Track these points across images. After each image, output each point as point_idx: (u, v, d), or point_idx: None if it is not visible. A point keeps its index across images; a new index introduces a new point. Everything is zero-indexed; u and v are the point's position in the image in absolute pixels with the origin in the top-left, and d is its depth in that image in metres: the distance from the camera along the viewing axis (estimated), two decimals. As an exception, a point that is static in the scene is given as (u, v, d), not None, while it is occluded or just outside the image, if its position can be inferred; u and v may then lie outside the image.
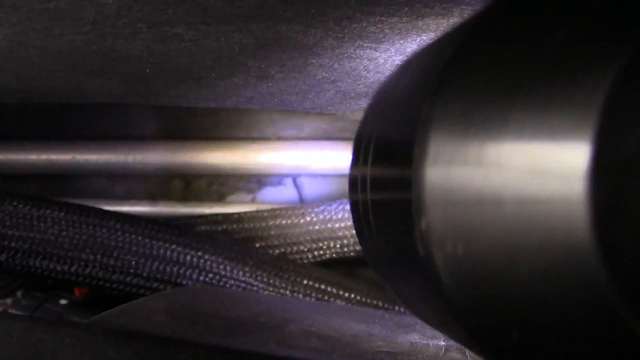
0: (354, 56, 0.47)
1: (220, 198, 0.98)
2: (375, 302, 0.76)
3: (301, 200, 0.97)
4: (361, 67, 0.48)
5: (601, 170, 0.18)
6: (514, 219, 0.20)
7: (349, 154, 1.05)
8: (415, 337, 0.49)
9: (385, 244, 0.31)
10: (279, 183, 0.98)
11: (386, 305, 0.76)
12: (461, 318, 0.24)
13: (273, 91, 0.52)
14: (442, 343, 0.49)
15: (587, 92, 0.19)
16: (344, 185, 0.95)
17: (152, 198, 0.96)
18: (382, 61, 0.47)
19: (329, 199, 0.93)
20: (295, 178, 0.97)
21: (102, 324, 0.45)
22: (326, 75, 0.49)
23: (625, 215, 0.18)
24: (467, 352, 0.47)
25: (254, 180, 0.98)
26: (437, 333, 0.51)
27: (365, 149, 0.35)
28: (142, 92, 0.55)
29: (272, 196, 0.98)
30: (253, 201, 0.97)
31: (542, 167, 0.19)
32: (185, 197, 0.98)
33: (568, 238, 0.19)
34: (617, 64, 0.18)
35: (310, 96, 0.53)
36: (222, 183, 0.98)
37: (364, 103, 0.56)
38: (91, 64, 0.51)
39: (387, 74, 0.49)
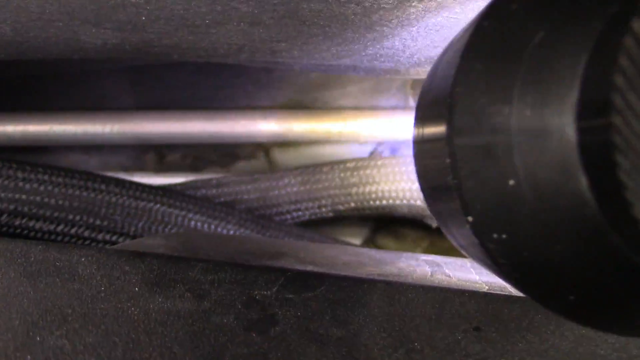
0: (342, 0, 0.50)
1: (194, 170, 1.00)
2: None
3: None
4: (349, 11, 0.52)
5: (587, 145, 0.21)
6: (536, 205, 0.23)
7: (321, 125, 1.07)
8: (402, 265, 0.53)
9: (443, 211, 0.33)
10: (252, 156, 1.01)
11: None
12: (517, 284, 0.28)
13: (264, 37, 0.54)
14: (428, 269, 0.52)
15: (570, 64, 0.22)
16: (316, 155, 0.99)
17: (127, 170, 0.98)
18: (369, 5, 0.51)
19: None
20: (268, 150, 1.00)
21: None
22: (316, 20, 0.52)
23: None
24: (452, 274, 0.51)
25: (228, 154, 1.00)
26: (421, 262, 0.55)
27: (421, 106, 0.37)
28: (136, 43, 0.57)
29: (245, 169, 1.00)
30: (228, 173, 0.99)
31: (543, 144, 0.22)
32: (160, 170, 0.99)
33: (579, 211, 0.22)
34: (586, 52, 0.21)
35: (299, 43, 0.56)
36: (197, 156, 1.00)
37: (349, 51, 0.60)
38: (88, 12, 0.53)
39: (374, 18, 0.52)
